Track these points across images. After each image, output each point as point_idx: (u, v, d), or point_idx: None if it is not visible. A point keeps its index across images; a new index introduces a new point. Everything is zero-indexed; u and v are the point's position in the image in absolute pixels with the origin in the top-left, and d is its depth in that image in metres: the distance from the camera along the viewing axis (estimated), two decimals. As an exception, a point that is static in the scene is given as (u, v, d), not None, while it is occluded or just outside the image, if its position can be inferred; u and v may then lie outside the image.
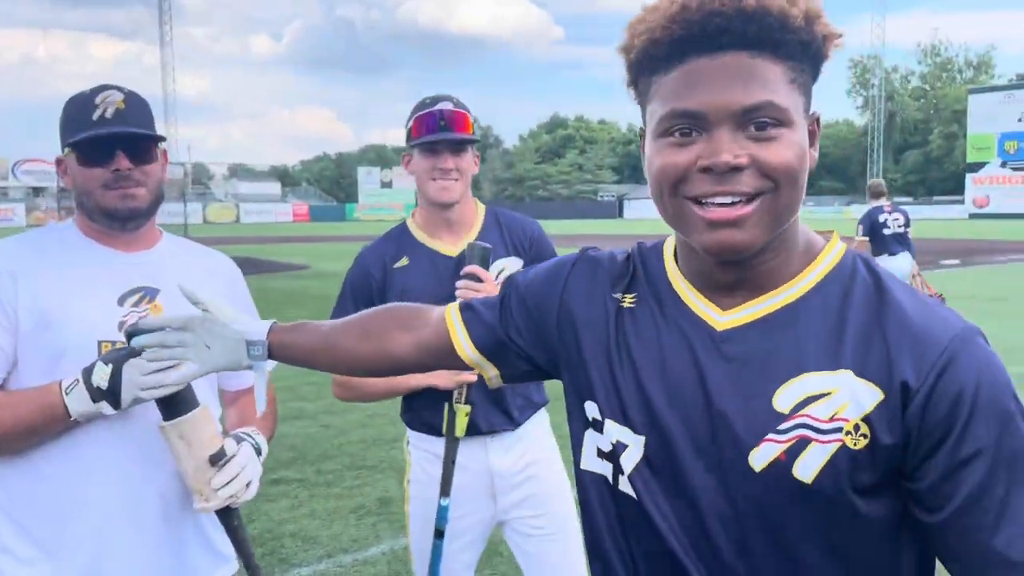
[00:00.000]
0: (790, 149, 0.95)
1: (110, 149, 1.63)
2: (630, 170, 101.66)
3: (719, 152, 0.92)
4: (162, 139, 1.73)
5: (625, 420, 1.05)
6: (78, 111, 1.67)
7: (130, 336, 1.49)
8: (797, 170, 0.95)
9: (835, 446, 0.93)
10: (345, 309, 2.24)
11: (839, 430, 0.93)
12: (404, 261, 2.27)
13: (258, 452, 1.72)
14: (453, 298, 2.01)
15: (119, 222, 1.69)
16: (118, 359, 1.53)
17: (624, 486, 1.06)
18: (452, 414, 2.19)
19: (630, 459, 1.05)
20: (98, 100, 1.65)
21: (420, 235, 2.32)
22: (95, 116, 1.63)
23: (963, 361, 0.92)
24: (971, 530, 0.93)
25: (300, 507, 4.72)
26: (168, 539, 1.70)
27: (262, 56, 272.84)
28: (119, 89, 1.69)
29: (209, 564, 1.79)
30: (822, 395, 0.94)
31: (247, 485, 1.63)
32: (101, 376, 1.52)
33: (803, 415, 0.94)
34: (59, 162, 1.75)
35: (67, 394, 1.54)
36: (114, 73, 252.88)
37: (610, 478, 1.09)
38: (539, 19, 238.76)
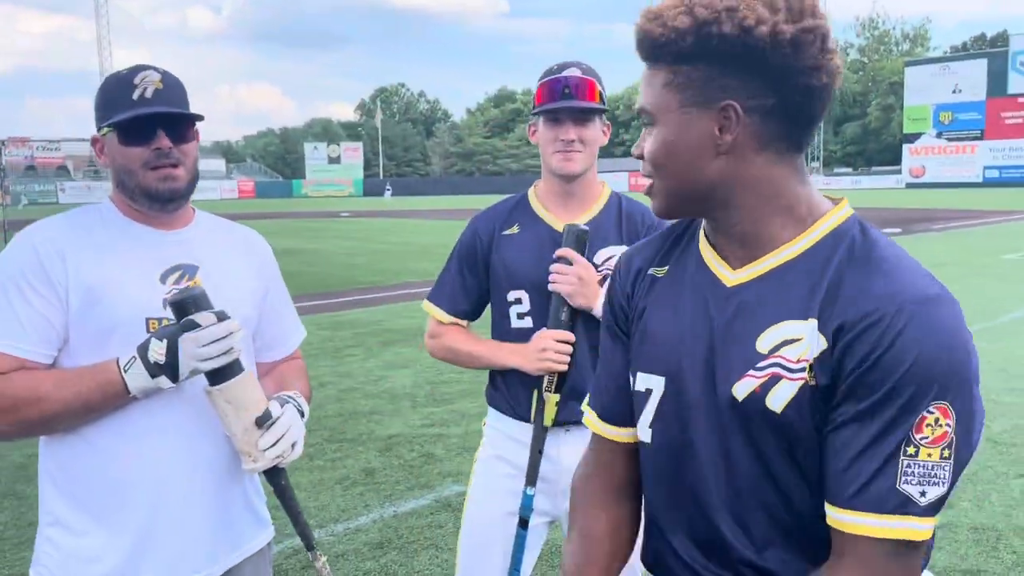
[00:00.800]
0: (654, 142, 1.20)
1: (151, 128, 1.67)
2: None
3: (637, 144, 1.25)
4: (201, 118, 1.76)
5: (652, 368, 1.26)
6: (117, 91, 1.69)
7: (172, 305, 1.59)
8: (658, 157, 1.20)
9: (799, 383, 1.10)
10: (449, 270, 2.29)
11: (803, 370, 1.10)
12: (514, 229, 2.22)
13: (301, 414, 1.78)
14: (548, 273, 2.09)
15: (159, 203, 1.72)
16: (173, 334, 1.58)
17: (646, 436, 1.27)
18: (541, 402, 2.12)
19: (657, 403, 1.25)
20: (137, 80, 1.67)
21: (536, 206, 2.25)
22: (135, 96, 1.66)
23: (899, 322, 1.03)
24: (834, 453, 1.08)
25: (285, 480, 4.79)
26: (216, 505, 1.75)
27: (201, 30, 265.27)
28: (155, 69, 1.71)
29: (253, 529, 1.86)
30: (794, 340, 1.11)
31: (293, 445, 1.71)
32: (158, 351, 1.56)
33: (777, 356, 1.12)
34: (95, 141, 1.76)
35: (126, 371, 1.58)
36: (48, 48, 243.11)
37: (638, 432, 1.30)
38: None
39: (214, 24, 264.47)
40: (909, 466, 1.04)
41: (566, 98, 2.09)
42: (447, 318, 2.28)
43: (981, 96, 60.72)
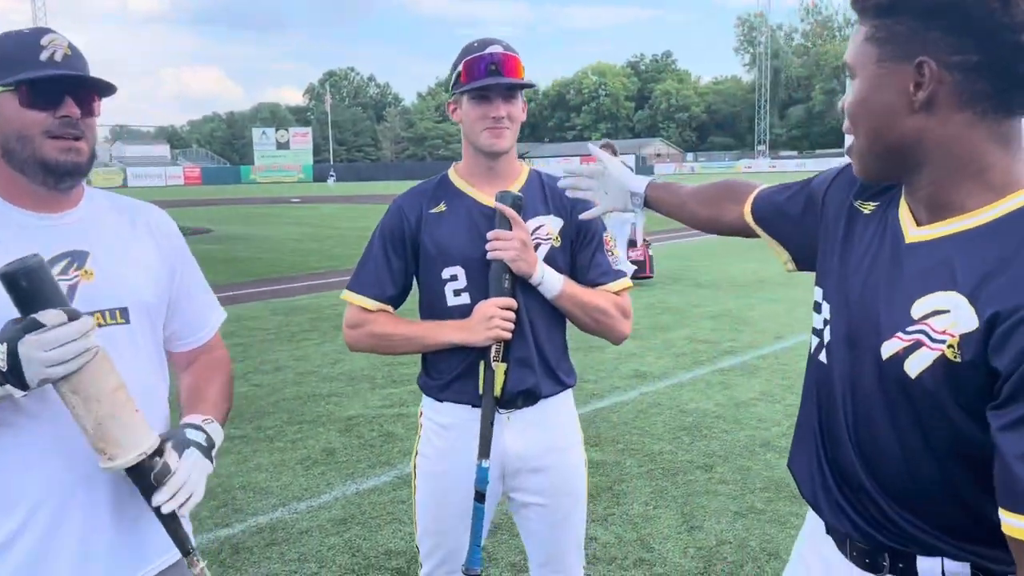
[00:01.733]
0: (852, 95, 1.22)
1: (59, 94, 1.48)
2: (530, 128, 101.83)
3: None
4: (113, 90, 1.57)
5: (832, 299, 1.33)
6: (19, 50, 1.49)
7: (1, 278, 1.31)
8: (855, 112, 1.21)
9: (937, 354, 1.11)
10: (372, 256, 2.19)
11: (943, 342, 1.10)
12: (441, 207, 2.17)
13: (210, 447, 1.56)
14: (485, 247, 2.05)
15: (54, 177, 1.51)
16: (12, 337, 1.32)
17: (822, 356, 1.35)
18: (490, 372, 2.07)
19: (829, 332, 1.32)
20: (44, 41, 1.50)
21: (461, 183, 2.20)
22: (43, 57, 1.48)
23: None
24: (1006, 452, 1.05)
25: (246, 461, 4.82)
26: (122, 517, 1.56)
27: (141, 12, 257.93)
28: (60, 34, 1.54)
29: (165, 542, 1.60)
30: (943, 311, 1.11)
31: (189, 497, 1.49)
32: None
33: (925, 323, 1.13)
34: None
35: None
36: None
37: (813, 349, 1.38)
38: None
39: (155, 5, 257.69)
40: None
41: (493, 75, 2.05)
42: (374, 305, 2.17)
43: (920, 80, 62.25)
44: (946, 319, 1.10)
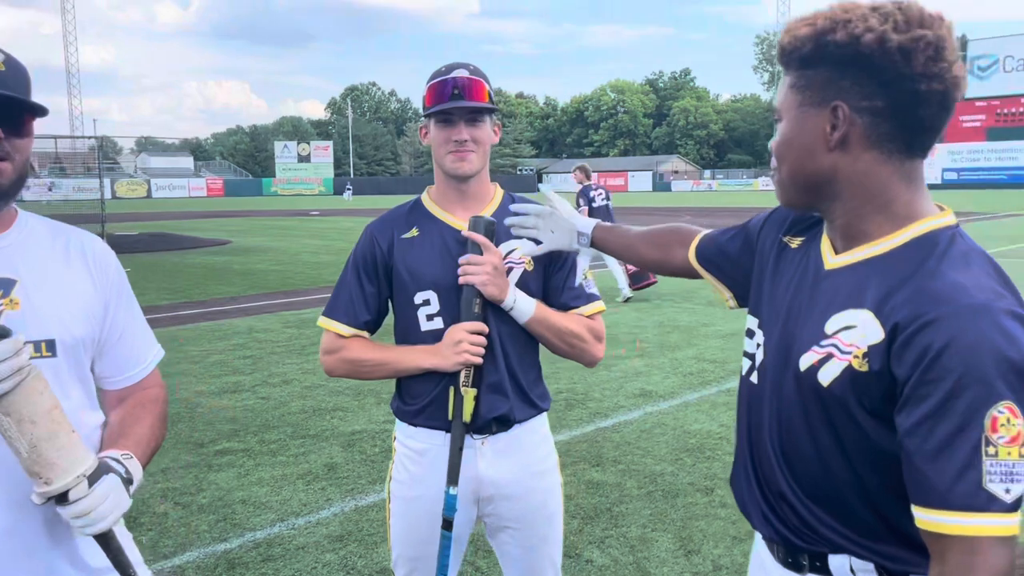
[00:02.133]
0: (778, 137, 1.35)
1: None
2: (547, 144, 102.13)
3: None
4: (44, 112, 1.48)
5: (764, 325, 1.46)
6: None
7: None
8: (779, 151, 1.35)
9: (845, 364, 1.25)
10: (346, 283, 2.19)
11: (850, 353, 1.24)
12: (414, 232, 2.17)
13: (128, 482, 1.47)
14: (457, 272, 2.05)
15: None
16: None
17: (753, 377, 1.47)
18: (459, 398, 2.06)
19: (761, 353, 1.45)
20: None
21: (433, 208, 2.20)
22: None
23: (949, 325, 1.12)
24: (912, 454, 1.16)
25: (247, 475, 4.84)
26: (59, 542, 1.49)
27: (169, 25, 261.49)
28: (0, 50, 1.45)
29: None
30: (852, 326, 1.25)
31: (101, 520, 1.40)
32: None
33: (836, 337, 1.27)
34: None
35: None
36: (10, 43, 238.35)
37: (745, 371, 1.51)
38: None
39: (182, 19, 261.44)
40: (992, 465, 1.09)
41: (456, 99, 2.07)
42: (348, 331, 2.16)
43: (943, 100, 61.89)
44: (854, 333, 1.24)
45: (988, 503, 1.09)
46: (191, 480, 4.76)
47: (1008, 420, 1.10)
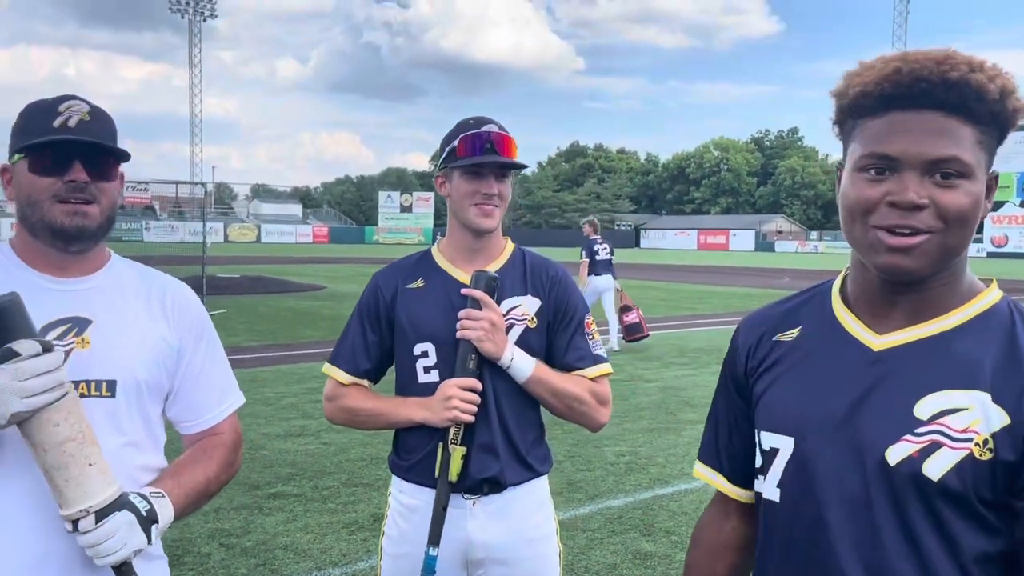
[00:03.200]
0: (968, 197, 1.11)
1: (68, 159, 1.50)
2: (647, 200, 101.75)
3: (906, 191, 1.11)
4: (126, 157, 1.58)
5: (779, 427, 1.25)
6: (37, 117, 1.54)
7: None
8: (968, 216, 1.12)
9: (964, 453, 1.09)
10: (350, 330, 2.19)
11: (969, 440, 1.09)
12: (419, 283, 2.15)
13: (150, 520, 1.47)
14: (455, 324, 2.02)
15: (63, 241, 1.53)
16: None
17: (774, 495, 1.25)
18: (446, 455, 2.02)
19: (780, 462, 1.23)
20: (62, 108, 1.53)
21: (441, 260, 2.18)
22: (56, 123, 1.51)
23: None
24: None
25: (294, 521, 4.86)
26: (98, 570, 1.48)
27: (288, 80, 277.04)
28: (85, 101, 1.57)
29: None
30: (959, 409, 1.11)
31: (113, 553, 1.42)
32: None
33: (939, 423, 1.11)
34: (4, 170, 1.59)
35: None
36: (141, 93, 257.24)
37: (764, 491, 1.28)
38: (561, 49, 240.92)
39: (300, 74, 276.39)
40: None
41: (489, 153, 2.06)
42: (347, 379, 2.15)
43: (1069, 165, 58.63)
44: (964, 416, 1.10)
45: None
46: (240, 522, 4.80)
47: None
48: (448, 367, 2.07)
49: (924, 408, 1.12)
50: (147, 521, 1.46)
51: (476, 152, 2.07)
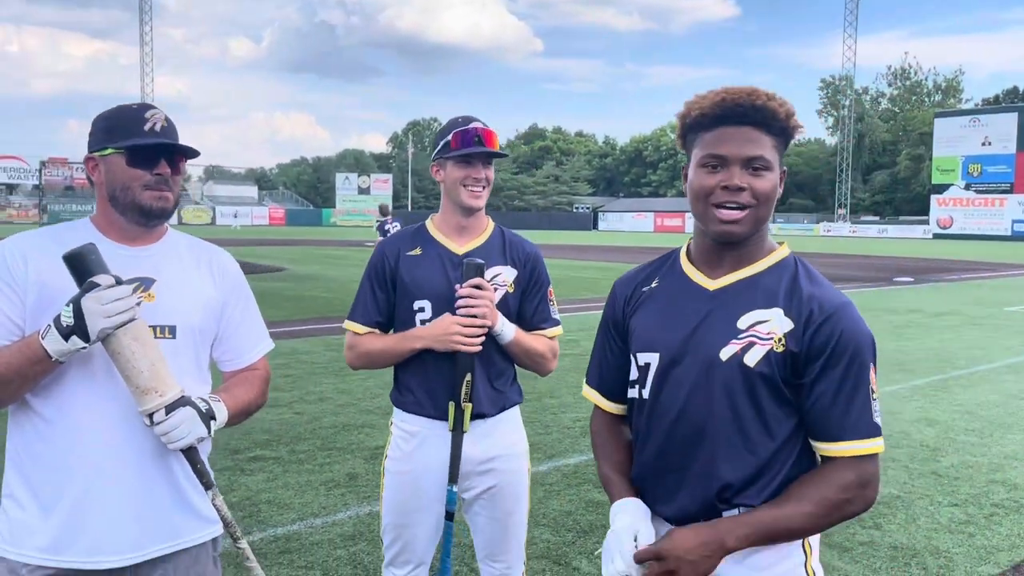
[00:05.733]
0: (769, 183, 1.67)
1: (156, 156, 1.91)
2: (605, 182, 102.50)
3: (732, 178, 1.66)
4: (196, 154, 2.00)
5: (649, 347, 1.77)
6: (128, 121, 1.92)
7: (65, 259, 1.73)
8: (771, 195, 1.68)
9: (768, 347, 1.65)
10: (363, 289, 2.68)
11: (771, 339, 1.65)
12: (417, 251, 2.64)
13: (208, 416, 1.86)
14: (453, 288, 2.53)
15: (146, 218, 1.93)
16: (76, 298, 1.70)
17: (644, 393, 1.78)
18: (460, 412, 2.51)
19: (651, 371, 1.76)
20: (148, 115, 1.93)
21: (436, 233, 2.67)
22: (147, 128, 1.91)
23: (839, 318, 1.64)
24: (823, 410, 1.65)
25: (275, 480, 5.24)
26: (144, 495, 1.88)
27: (241, 59, 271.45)
28: (160, 109, 1.98)
29: (189, 523, 1.97)
30: (764, 321, 1.67)
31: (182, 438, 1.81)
32: (66, 315, 1.70)
33: (753, 330, 1.66)
34: (90, 160, 1.95)
35: (43, 338, 1.72)
36: (88, 71, 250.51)
37: (636, 395, 1.82)
38: (518, 30, 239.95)
39: (253, 53, 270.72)
40: (875, 405, 1.66)
41: (478, 144, 2.55)
42: (363, 329, 2.64)
43: (1011, 149, 60.61)
44: (768, 325, 1.67)
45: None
46: (224, 481, 5.16)
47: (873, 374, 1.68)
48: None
49: (743, 322, 1.68)
50: (206, 416, 1.85)
51: (468, 144, 2.56)
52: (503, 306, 2.60)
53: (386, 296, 2.65)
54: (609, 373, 1.91)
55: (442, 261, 2.61)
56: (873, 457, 1.65)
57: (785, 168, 1.74)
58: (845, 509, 1.64)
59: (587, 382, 1.98)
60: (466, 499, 2.69)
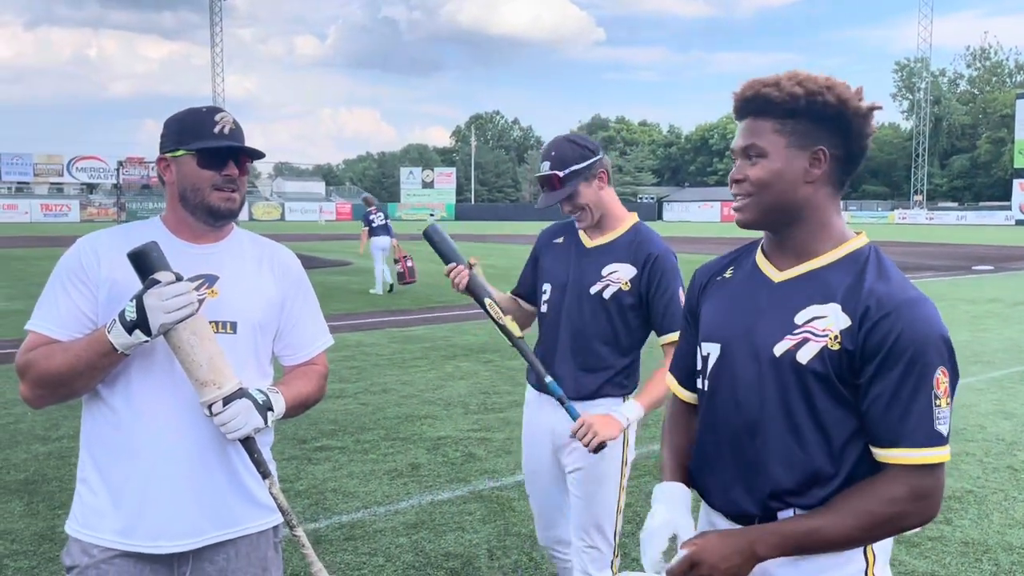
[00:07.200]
0: (763, 170, 1.63)
1: (225, 158, 1.96)
2: (670, 172, 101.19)
3: (733, 171, 1.70)
4: (262, 156, 2.05)
5: (711, 338, 1.75)
6: (198, 124, 1.98)
7: (129, 257, 1.80)
8: (766, 181, 1.63)
9: (823, 344, 1.58)
10: (526, 264, 3.04)
11: (826, 336, 1.58)
12: (561, 240, 2.91)
13: (266, 407, 1.90)
14: (576, 275, 2.75)
15: (215, 218, 1.99)
16: (138, 294, 1.78)
17: (704, 385, 1.76)
18: (501, 326, 2.77)
19: (711, 362, 1.74)
20: (217, 118, 1.98)
21: (580, 226, 2.87)
22: (216, 130, 1.97)
23: (899, 316, 1.53)
24: (881, 414, 1.55)
25: (340, 469, 5.37)
26: (204, 481, 1.93)
27: (307, 56, 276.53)
28: (227, 112, 2.04)
29: (248, 511, 2.02)
30: (821, 316, 1.60)
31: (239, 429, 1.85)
32: (130, 310, 1.77)
33: (808, 326, 1.60)
34: (162, 160, 2.01)
35: (109, 331, 1.80)
36: (163, 73, 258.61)
37: (700, 386, 1.80)
38: (580, 20, 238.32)
39: (319, 51, 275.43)
40: (940, 411, 1.54)
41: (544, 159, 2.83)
42: (508, 295, 3.07)
43: (1100, 130, 57.66)
44: (824, 321, 1.59)
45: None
46: (292, 470, 5.32)
47: (941, 378, 1.54)
48: (555, 304, 2.84)
49: (800, 317, 1.62)
50: (263, 408, 1.89)
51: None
52: (616, 302, 2.69)
53: (532, 272, 2.99)
54: (684, 361, 1.91)
55: (571, 251, 2.85)
56: (932, 468, 1.53)
57: (822, 147, 1.61)
58: (896, 523, 1.56)
59: (669, 369, 1.98)
60: (566, 473, 2.83)
